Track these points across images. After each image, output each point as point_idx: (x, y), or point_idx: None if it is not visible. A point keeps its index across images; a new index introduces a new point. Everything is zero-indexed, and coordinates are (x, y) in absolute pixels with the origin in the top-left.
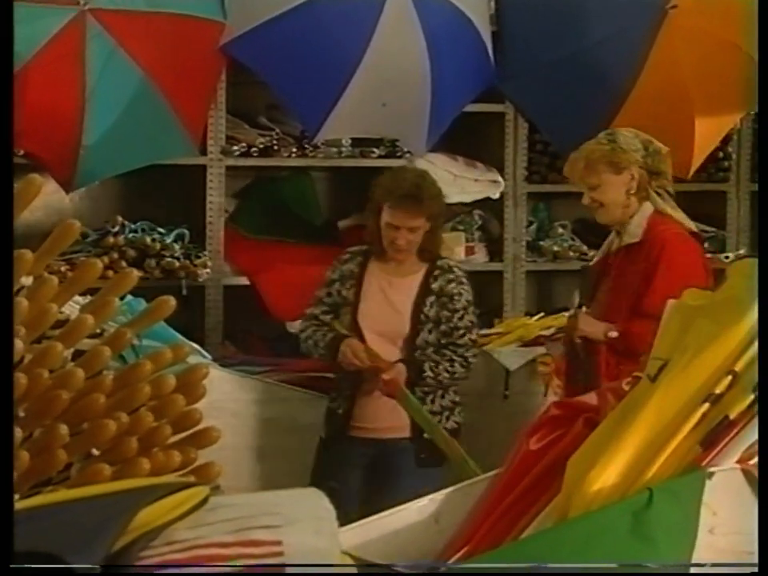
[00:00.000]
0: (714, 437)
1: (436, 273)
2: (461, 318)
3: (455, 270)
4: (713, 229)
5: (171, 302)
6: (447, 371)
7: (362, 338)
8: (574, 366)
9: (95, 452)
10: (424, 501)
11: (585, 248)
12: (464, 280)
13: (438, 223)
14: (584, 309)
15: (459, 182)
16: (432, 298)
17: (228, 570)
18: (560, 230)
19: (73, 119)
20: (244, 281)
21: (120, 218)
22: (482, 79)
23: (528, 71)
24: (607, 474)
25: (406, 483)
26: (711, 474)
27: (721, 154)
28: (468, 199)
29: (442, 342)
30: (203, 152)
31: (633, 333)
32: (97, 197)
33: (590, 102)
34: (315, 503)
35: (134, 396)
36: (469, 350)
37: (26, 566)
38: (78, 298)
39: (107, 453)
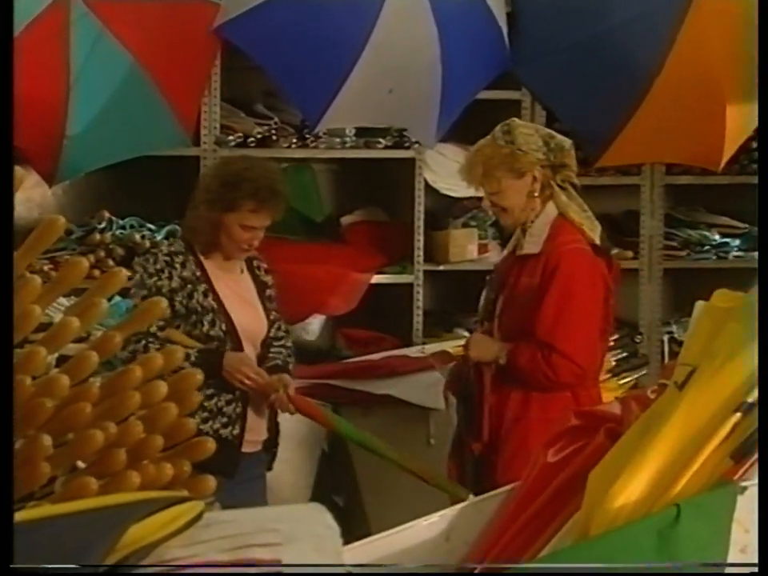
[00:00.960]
0: (746, 449)
1: (255, 263)
2: (275, 308)
3: (260, 257)
4: (745, 225)
5: (163, 303)
6: (288, 365)
7: (239, 348)
8: (461, 387)
9: (81, 464)
10: (434, 518)
11: (610, 250)
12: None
13: None
14: (479, 327)
15: None
16: (267, 291)
17: (228, 570)
18: None
19: (56, 107)
20: None
21: (107, 214)
22: (496, 64)
23: (545, 55)
24: (631, 488)
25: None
26: (743, 489)
27: (754, 144)
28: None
29: (279, 335)
30: (196, 142)
31: (517, 363)
32: (82, 191)
33: (612, 88)
34: (317, 519)
35: (122, 404)
36: (288, 340)
37: (26, 566)
38: (62, 299)
39: (94, 465)
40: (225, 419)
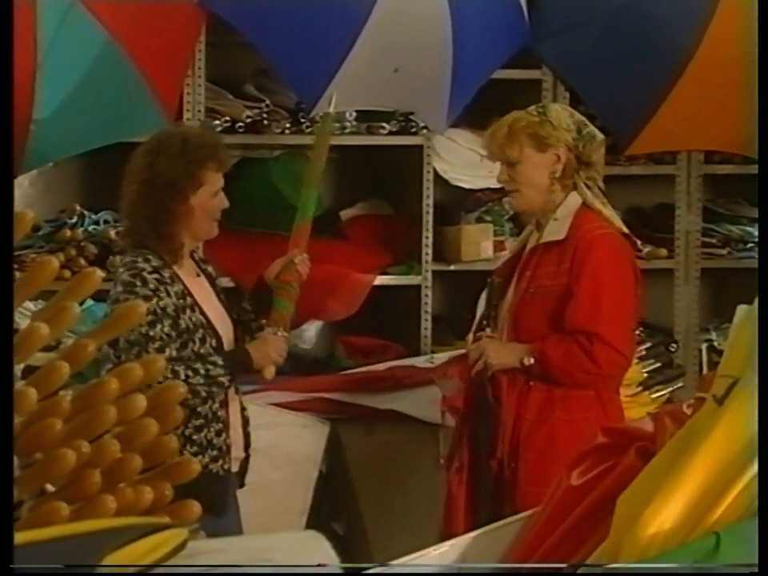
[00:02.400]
0: None
1: (195, 256)
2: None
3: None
4: None
5: (141, 307)
6: None
7: None
8: (475, 403)
9: (50, 488)
10: (444, 547)
11: (638, 242)
12: None
13: None
14: (488, 331)
15: (486, 163)
16: (217, 285)
17: (226, 570)
18: None
19: (21, 88)
20: (227, 282)
21: (78, 207)
22: (513, 40)
23: (568, 30)
24: (665, 514)
25: None
26: None
27: None
28: (496, 184)
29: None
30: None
31: (550, 360)
32: (51, 182)
33: (643, 66)
34: (314, 549)
35: (96, 421)
36: None
37: (26, 566)
38: (28, 303)
39: (65, 489)
40: (215, 452)
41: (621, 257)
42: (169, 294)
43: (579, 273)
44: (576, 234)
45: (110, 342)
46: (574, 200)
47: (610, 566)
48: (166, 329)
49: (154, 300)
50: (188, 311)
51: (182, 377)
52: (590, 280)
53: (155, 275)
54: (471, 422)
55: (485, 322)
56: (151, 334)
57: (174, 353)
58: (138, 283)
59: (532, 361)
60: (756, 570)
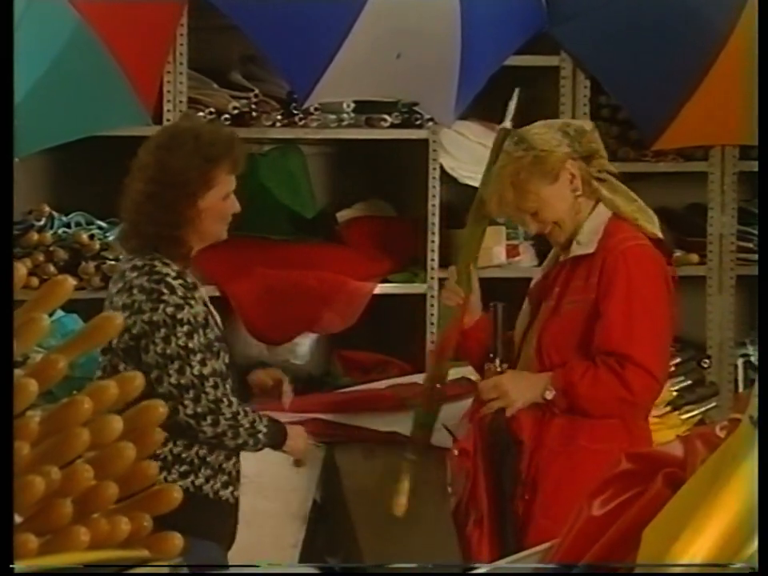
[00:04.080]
0: None
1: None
2: None
3: None
4: None
5: (117, 319)
6: None
7: (237, 383)
8: (492, 446)
9: (17, 518)
10: None
11: (673, 250)
12: None
13: None
14: (497, 363)
15: None
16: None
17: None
18: None
19: None
20: (212, 290)
21: (47, 208)
22: (529, 22)
23: (590, 11)
24: (696, 548)
25: None
26: None
27: None
28: None
29: None
30: (158, 120)
31: (578, 389)
32: (16, 179)
33: (672, 51)
34: None
35: (67, 444)
36: None
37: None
38: None
39: (33, 519)
40: (225, 477)
41: (654, 270)
42: (197, 302)
43: (609, 288)
44: (605, 245)
45: (128, 357)
46: (602, 212)
47: (610, 565)
48: (203, 339)
49: (185, 309)
50: (210, 321)
51: (224, 391)
52: (620, 297)
53: (180, 281)
54: (487, 467)
55: (491, 355)
56: (191, 345)
57: (216, 366)
58: (165, 291)
59: (552, 394)
60: (756, 570)
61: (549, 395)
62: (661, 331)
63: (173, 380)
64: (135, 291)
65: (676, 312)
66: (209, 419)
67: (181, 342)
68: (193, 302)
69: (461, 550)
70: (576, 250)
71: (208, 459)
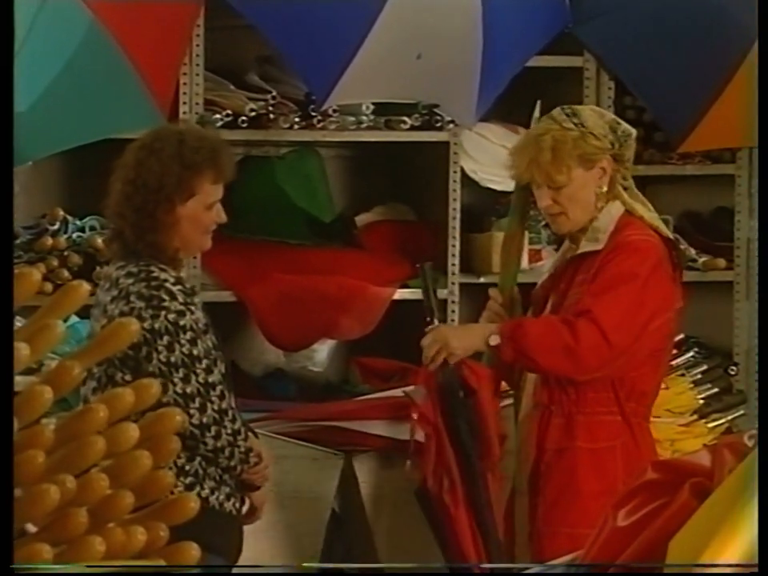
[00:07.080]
0: None
1: None
2: None
3: None
4: None
5: (133, 325)
6: None
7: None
8: (449, 406)
9: (31, 528)
10: None
11: (693, 252)
12: None
13: None
14: (436, 322)
15: None
16: None
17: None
18: None
19: None
20: (228, 296)
21: (61, 212)
22: (552, 22)
23: (615, 10)
24: (724, 560)
25: None
26: None
27: None
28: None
29: None
30: (174, 122)
31: (528, 334)
32: (30, 183)
33: (699, 52)
34: None
35: (82, 453)
36: None
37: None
38: None
39: (48, 529)
40: (228, 489)
41: (651, 259)
42: (197, 307)
43: (601, 270)
44: (613, 240)
45: (126, 366)
46: (615, 208)
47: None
48: (205, 346)
49: (187, 315)
50: (209, 329)
51: (229, 402)
52: (607, 275)
53: (179, 287)
54: (450, 430)
55: (427, 317)
56: (195, 353)
57: (222, 373)
58: (166, 297)
59: (498, 340)
60: (756, 570)
61: (493, 341)
62: (635, 310)
63: (178, 389)
64: (133, 298)
65: (676, 312)
66: (212, 430)
67: (185, 350)
68: (194, 308)
69: (441, 520)
70: (585, 247)
71: (209, 471)
